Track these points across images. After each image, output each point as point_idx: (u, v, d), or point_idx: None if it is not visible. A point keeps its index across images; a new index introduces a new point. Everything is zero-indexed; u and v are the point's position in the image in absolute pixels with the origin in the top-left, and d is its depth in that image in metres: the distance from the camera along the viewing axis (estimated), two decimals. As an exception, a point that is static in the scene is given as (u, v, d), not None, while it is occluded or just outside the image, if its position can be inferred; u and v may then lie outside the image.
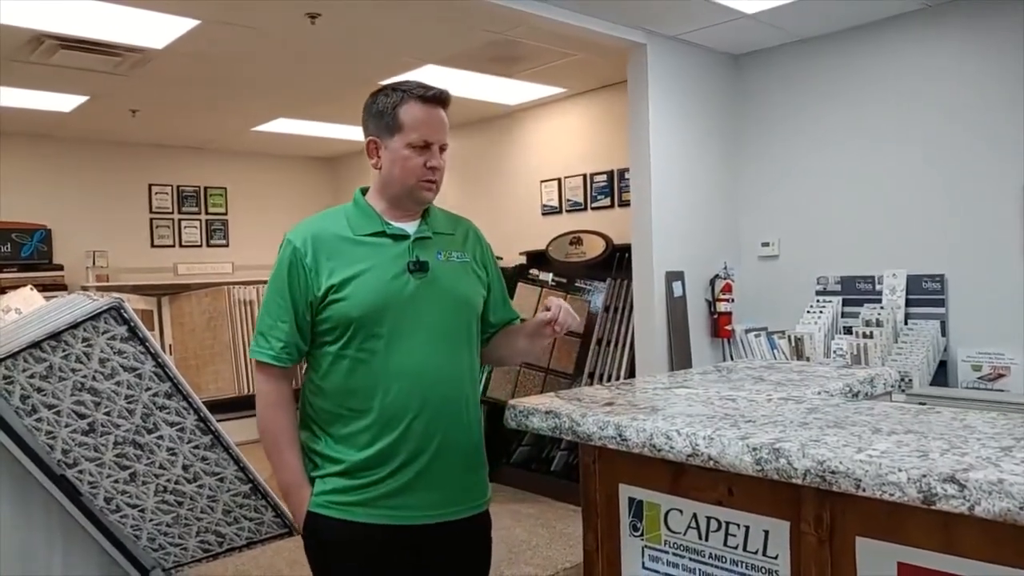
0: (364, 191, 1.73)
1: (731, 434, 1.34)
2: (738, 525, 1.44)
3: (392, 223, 1.66)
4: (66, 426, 1.89)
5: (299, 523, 1.65)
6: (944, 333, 3.43)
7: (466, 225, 1.81)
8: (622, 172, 4.89)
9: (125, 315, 1.76)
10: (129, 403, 1.87)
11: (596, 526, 1.68)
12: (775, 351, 3.91)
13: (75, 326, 1.74)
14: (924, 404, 1.69)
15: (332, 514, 1.61)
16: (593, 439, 1.54)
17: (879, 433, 1.31)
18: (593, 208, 5.17)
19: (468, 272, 1.72)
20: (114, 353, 1.79)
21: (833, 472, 1.17)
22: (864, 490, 1.14)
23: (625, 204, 4.82)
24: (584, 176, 5.25)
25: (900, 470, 1.10)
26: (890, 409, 1.53)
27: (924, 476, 1.08)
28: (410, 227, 1.67)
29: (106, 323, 1.75)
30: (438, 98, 1.64)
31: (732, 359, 4.00)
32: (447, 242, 1.70)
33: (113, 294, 1.88)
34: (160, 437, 1.94)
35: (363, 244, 1.63)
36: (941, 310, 3.46)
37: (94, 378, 1.81)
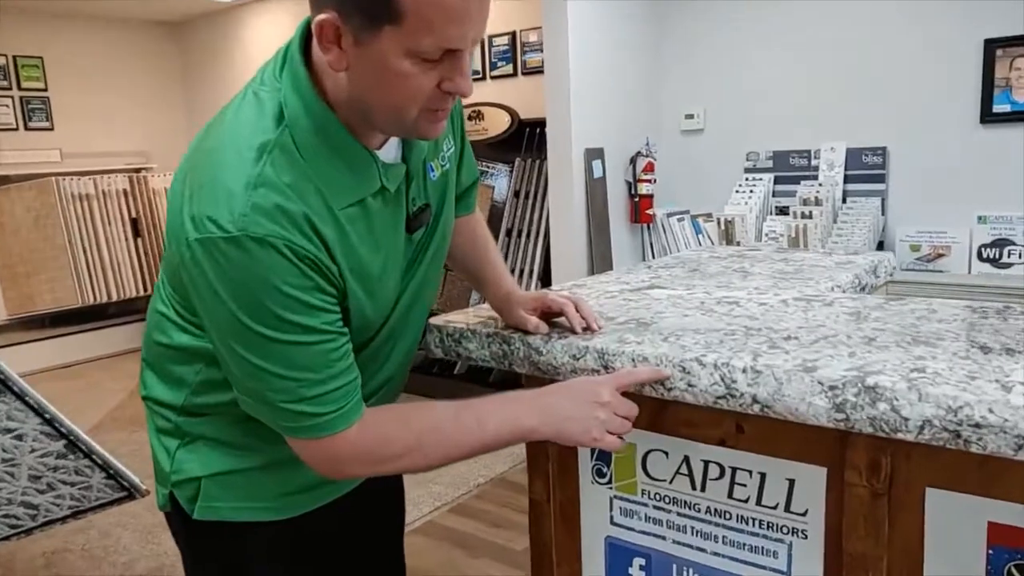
0: (308, 83, 0.91)
1: (782, 362, 0.89)
2: (749, 472, 1.07)
3: (378, 154, 0.97)
4: None
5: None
6: (883, 211, 3.17)
7: None
8: (526, 34, 4.30)
9: None
10: None
11: (547, 470, 1.27)
12: (700, 236, 3.57)
13: None
14: (908, 295, 1.32)
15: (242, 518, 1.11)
16: (562, 372, 1.07)
17: (992, 353, 0.89)
18: (493, 77, 4.57)
19: (452, 178, 1.14)
20: None
21: (977, 426, 0.75)
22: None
23: (530, 72, 4.28)
24: (482, 40, 4.61)
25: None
26: (957, 311, 1.13)
27: None
28: (394, 149, 1.01)
29: None
30: None
31: (652, 248, 3.65)
32: (432, 144, 1.07)
33: None
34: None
35: (358, 220, 0.96)
36: (882, 186, 3.18)
37: None
